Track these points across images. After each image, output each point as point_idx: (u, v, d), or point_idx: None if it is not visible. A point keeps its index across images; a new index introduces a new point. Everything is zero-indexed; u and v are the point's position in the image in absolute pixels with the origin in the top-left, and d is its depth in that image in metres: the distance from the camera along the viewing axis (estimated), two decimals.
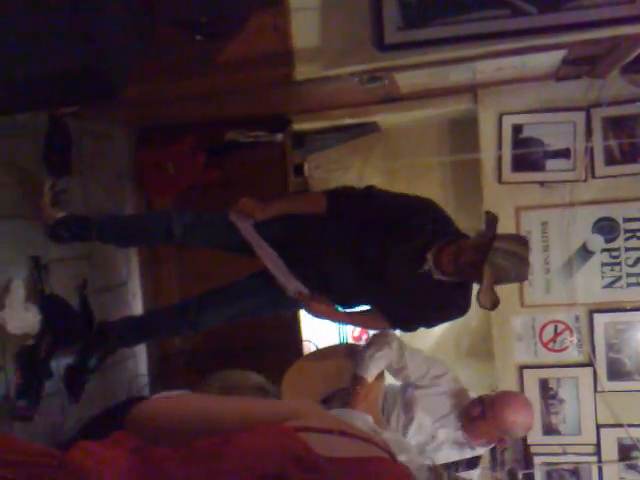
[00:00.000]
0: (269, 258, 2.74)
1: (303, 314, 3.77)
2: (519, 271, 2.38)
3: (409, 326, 2.83)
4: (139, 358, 3.66)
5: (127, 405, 1.38)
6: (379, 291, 2.68)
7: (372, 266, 2.62)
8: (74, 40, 2.13)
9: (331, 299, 2.76)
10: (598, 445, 3.66)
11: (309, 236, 2.76)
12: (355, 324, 3.13)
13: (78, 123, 3.15)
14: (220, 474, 0.86)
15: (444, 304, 2.64)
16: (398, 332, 2.91)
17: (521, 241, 2.44)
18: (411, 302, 2.65)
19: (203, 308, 2.91)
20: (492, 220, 2.40)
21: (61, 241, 2.90)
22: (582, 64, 3.28)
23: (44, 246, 2.86)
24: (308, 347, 3.91)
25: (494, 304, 2.38)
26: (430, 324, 2.88)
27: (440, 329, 4.34)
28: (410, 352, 2.91)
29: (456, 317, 2.81)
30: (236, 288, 2.91)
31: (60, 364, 2.90)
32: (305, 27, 2.76)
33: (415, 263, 2.54)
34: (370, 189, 2.73)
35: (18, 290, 2.63)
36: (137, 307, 3.70)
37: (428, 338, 4.28)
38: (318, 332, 4.09)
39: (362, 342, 4.13)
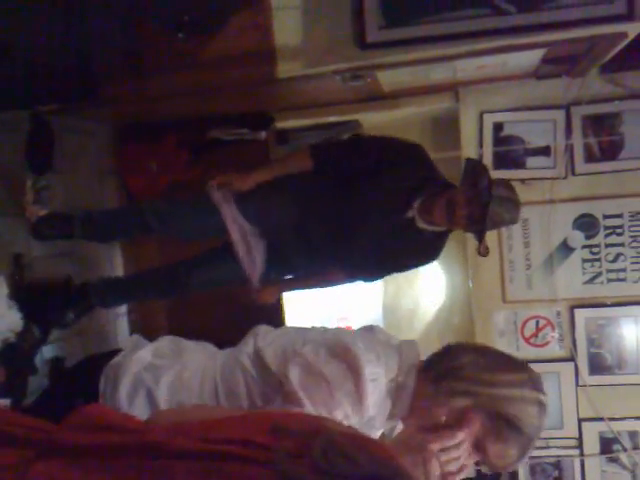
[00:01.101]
0: (239, 235, 2.72)
1: (286, 300, 3.80)
2: (512, 215, 2.41)
3: (375, 274, 2.80)
4: None
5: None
6: (352, 242, 2.63)
7: (352, 214, 2.60)
8: (56, 38, 2.14)
9: (297, 263, 2.75)
10: (580, 439, 3.70)
11: (294, 200, 2.72)
12: (312, 284, 2.99)
13: (60, 120, 3.14)
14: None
15: (418, 252, 2.64)
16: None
17: (509, 185, 2.45)
18: (384, 248, 2.62)
19: (193, 270, 2.92)
20: (481, 169, 2.40)
21: (44, 238, 2.90)
22: (562, 63, 3.31)
23: (27, 243, 2.86)
24: None
25: (487, 251, 2.45)
26: (397, 270, 2.87)
27: (423, 326, 4.38)
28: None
29: (424, 264, 2.83)
30: (222, 252, 2.89)
31: (44, 359, 2.90)
32: (287, 25, 2.77)
33: (398, 208, 2.53)
34: (356, 136, 2.72)
35: (0, 288, 2.63)
36: (121, 306, 3.69)
37: (411, 334, 4.31)
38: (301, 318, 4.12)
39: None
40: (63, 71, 2.24)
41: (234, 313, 3.69)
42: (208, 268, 2.90)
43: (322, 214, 2.65)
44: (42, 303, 2.82)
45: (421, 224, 2.49)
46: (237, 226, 2.70)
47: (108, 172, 3.67)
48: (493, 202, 2.29)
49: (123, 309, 3.70)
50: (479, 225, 2.35)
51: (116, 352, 1.70)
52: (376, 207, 2.57)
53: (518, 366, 1.48)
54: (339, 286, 2.95)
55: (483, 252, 2.41)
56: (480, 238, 2.38)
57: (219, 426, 0.99)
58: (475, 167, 2.42)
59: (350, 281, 2.81)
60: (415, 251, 2.61)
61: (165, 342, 1.75)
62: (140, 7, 2.52)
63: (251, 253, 2.71)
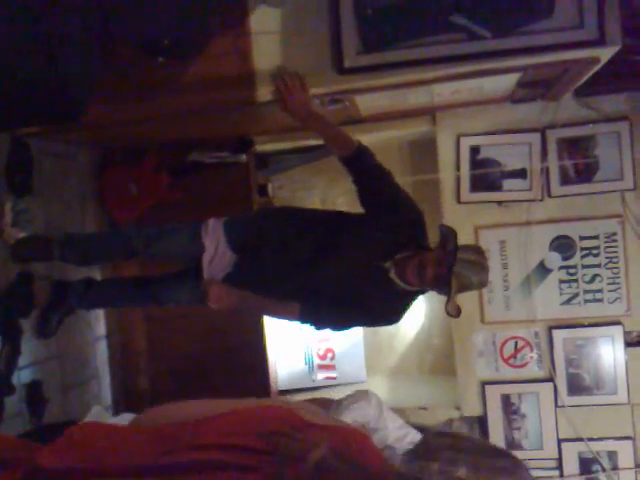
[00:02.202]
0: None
1: (269, 334, 3.79)
2: (481, 278, 2.45)
3: (329, 322, 2.73)
4: (102, 381, 3.63)
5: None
6: (325, 270, 2.62)
7: (339, 242, 2.62)
8: (36, 61, 2.15)
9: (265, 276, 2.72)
10: (560, 459, 3.73)
11: (286, 221, 2.75)
12: (263, 309, 2.91)
13: (40, 143, 3.14)
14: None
15: (384, 302, 2.63)
16: (309, 327, 2.79)
17: (478, 250, 2.54)
18: (352, 287, 2.61)
19: (163, 282, 2.93)
20: (451, 233, 2.45)
21: (22, 261, 2.90)
22: (537, 87, 3.36)
23: (3, 265, 2.85)
24: (274, 370, 3.92)
25: (458, 312, 2.47)
26: (355, 323, 2.82)
27: (403, 347, 4.40)
28: (390, 413, 2.91)
29: (385, 324, 2.83)
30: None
31: (22, 383, 2.88)
32: (266, 50, 2.80)
33: (380, 255, 2.57)
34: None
35: None
36: (100, 329, 3.68)
37: (391, 356, 4.33)
38: (284, 353, 4.12)
39: (328, 370, 4.17)
40: (43, 94, 2.24)
41: (214, 337, 3.71)
42: (175, 284, 2.92)
43: (309, 236, 2.67)
44: (5, 312, 2.82)
45: (394, 277, 2.54)
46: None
47: (88, 195, 3.67)
48: (460, 266, 2.36)
49: (102, 332, 3.68)
50: (446, 286, 2.41)
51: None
52: (363, 245, 2.61)
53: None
54: (289, 321, 2.85)
55: (451, 312, 2.44)
56: (447, 298, 2.43)
57: (207, 431, 1.02)
58: (446, 232, 2.49)
59: (301, 319, 2.71)
60: (381, 300, 2.61)
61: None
62: (120, 31, 2.54)
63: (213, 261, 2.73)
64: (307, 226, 2.71)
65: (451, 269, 2.36)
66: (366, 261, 2.59)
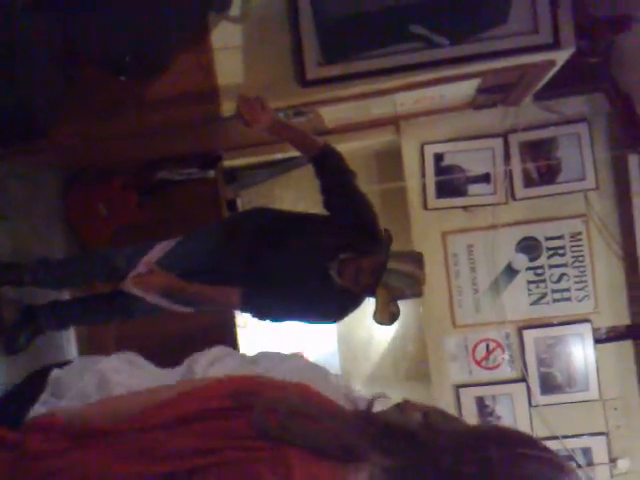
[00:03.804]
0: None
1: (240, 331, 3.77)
2: (413, 290, 2.46)
3: (269, 311, 2.70)
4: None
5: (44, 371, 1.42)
6: (267, 269, 2.63)
7: (282, 244, 2.64)
8: None
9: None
10: None
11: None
12: (203, 294, 2.75)
13: (5, 166, 3.12)
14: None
15: (323, 304, 2.64)
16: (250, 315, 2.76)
17: (415, 259, 2.50)
18: (294, 290, 2.61)
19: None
20: (386, 241, 2.47)
21: (16, 351, 2.93)
22: (496, 93, 3.43)
23: None
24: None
25: (393, 318, 2.46)
26: (293, 317, 2.78)
27: (378, 354, 4.42)
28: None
29: (322, 321, 2.85)
30: None
31: None
32: (229, 65, 2.83)
33: (323, 254, 2.58)
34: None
35: None
36: (71, 352, 3.64)
37: (367, 363, 4.36)
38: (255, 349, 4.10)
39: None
40: (5, 117, 2.24)
41: (186, 336, 3.63)
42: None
43: (259, 228, 2.71)
44: None
45: (334, 275, 2.55)
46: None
47: (57, 217, 3.64)
48: (392, 277, 2.37)
49: (74, 354, 3.64)
50: (373, 293, 2.42)
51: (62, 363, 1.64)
52: (312, 241, 2.63)
53: None
54: (230, 307, 2.87)
55: (379, 321, 2.44)
56: (375, 308, 2.44)
57: (177, 403, 1.10)
58: (387, 238, 2.51)
59: (242, 303, 2.66)
60: (320, 297, 2.60)
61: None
62: (82, 50, 2.55)
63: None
64: (268, 222, 2.75)
65: (378, 280, 2.37)
66: (312, 257, 2.60)
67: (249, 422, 1.01)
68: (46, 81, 2.24)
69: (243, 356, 1.69)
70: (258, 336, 4.02)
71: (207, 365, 1.55)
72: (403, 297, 2.48)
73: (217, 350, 1.66)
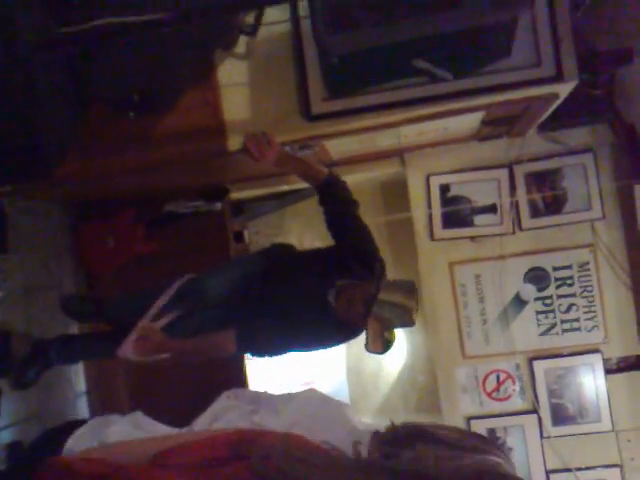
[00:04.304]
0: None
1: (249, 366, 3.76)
2: (403, 321, 2.45)
3: (272, 349, 2.68)
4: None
5: (65, 429, 1.50)
6: (264, 302, 2.64)
7: (281, 276, 2.66)
8: (7, 121, 2.18)
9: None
10: None
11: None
12: (198, 345, 2.74)
13: (13, 202, 3.15)
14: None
15: (330, 330, 2.64)
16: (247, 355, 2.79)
17: (407, 289, 2.48)
18: (291, 319, 2.61)
19: None
20: (378, 272, 2.48)
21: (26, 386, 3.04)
22: (501, 124, 3.45)
23: None
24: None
25: (386, 347, 2.44)
26: (292, 348, 2.75)
27: (388, 386, 4.39)
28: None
29: (320, 348, 2.82)
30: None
31: (1, 444, 2.84)
32: (235, 101, 2.87)
33: (321, 280, 2.59)
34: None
35: None
36: (80, 385, 3.64)
37: (376, 395, 4.33)
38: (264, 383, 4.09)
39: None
40: (15, 152, 2.27)
41: (196, 390, 3.65)
42: None
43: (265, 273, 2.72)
44: None
45: (331, 300, 2.56)
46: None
47: (65, 251, 3.67)
48: (384, 309, 2.38)
49: (82, 388, 3.64)
50: (364, 324, 2.42)
51: (74, 424, 1.69)
52: (312, 270, 2.66)
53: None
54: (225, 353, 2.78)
55: (370, 350, 2.42)
56: (366, 338, 2.43)
57: (182, 452, 1.17)
58: (380, 269, 2.52)
59: (238, 345, 2.62)
60: (319, 323, 2.60)
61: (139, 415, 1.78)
62: (90, 88, 2.59)
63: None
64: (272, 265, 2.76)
65: (368, 312, 2.37)
66: (313, 284, 2.61)
67: (250, 468, 1.06)
68: (55, 120, 2.27)
69: (243, 408, 1.74)
70: (266, 368, 4.01)
71: (207, 424, 1.60)
72: (393, 327, 2.47)
73: (218, 406, 1.74)
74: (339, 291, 2.55)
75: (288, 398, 1.87)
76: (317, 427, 1.69)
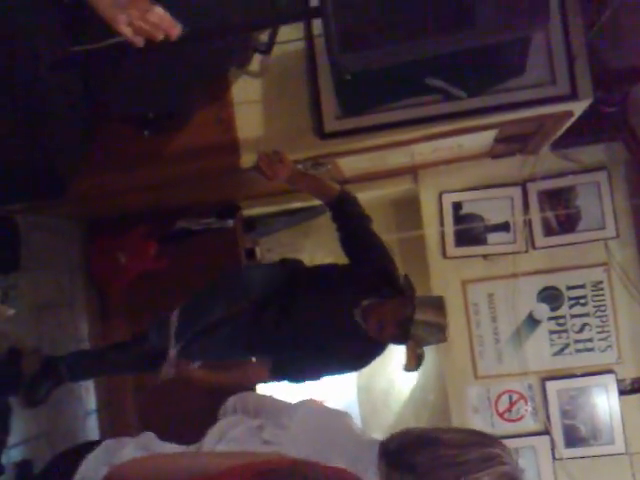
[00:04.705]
0: None
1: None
2: (438, 337, 2.46)
3: (306, 375, 2.71)
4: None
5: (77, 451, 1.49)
6: (293, 330, 2.61)
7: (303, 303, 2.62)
8: (19, 139, 2.18)
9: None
10: None
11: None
12: (229, 380, 2.79)
13: (27, 218, 3.16)
14: None
15: (352, 352, 2.62)
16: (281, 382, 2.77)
17: (437, 305, 2.49)
18: (321, 345, 2.58)
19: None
20: (410, 293, 2.46)
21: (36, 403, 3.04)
22: (514, 142, 3.44)
23: None
24: None
25: (419, 363, 2.46)
26: (325, 373, 2.77)
27: (399, 405, 4.36)
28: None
29: (351, 370, 2.87)
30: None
31: (11, 462, 2.83)
32: (249, 118, 2.88)
33: (346, 302, 2.57)
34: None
35: None
36: (90, 403, 3.63)
37: (387, 413, 4.29)
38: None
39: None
40: (28, 171, 2.27)
41: (205, 408, 3.63)
42: None
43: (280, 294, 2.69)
44: None
45: (359, 319, 2.53)
46: None
47: (77, 267, 3.67)
48: (419, 328, 2.38)
49: (92, 406, 3.63)
50: (403, 343, 2.44)
51: (86, 447, 1.70)
52: (334, 292, 2.62)
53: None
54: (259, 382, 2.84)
55: (409, 369, 2.47)
56: (406, 359, 2.45)
57: None
58: (406, 288, 2.50)
59: (273, 373, 2.67)
60: (349, 344, 2.58)
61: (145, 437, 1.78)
62: (105, 107, 2.59)
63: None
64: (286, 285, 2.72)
65: (407, 333, 2.37)
66: (337, 308, 2.57)
67: None
68: (68, 139, 2.27)
69: (249, 423, 1.76)
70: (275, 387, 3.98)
71: (214, 443, 1.61)
72: (428, 344, 2.48)
73: (224, 422, 1.75)
74: (365, 310, 2.53)
75: (291, 409, 1.90)
76: (323, 440, 1.74)
